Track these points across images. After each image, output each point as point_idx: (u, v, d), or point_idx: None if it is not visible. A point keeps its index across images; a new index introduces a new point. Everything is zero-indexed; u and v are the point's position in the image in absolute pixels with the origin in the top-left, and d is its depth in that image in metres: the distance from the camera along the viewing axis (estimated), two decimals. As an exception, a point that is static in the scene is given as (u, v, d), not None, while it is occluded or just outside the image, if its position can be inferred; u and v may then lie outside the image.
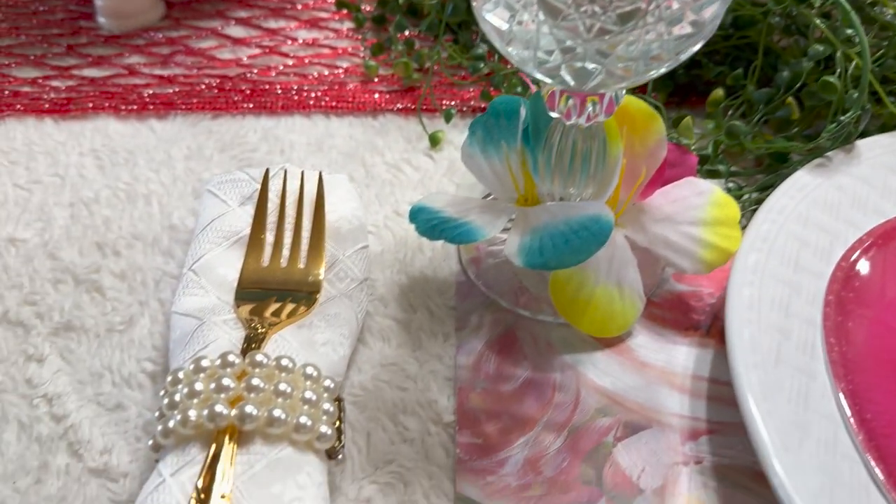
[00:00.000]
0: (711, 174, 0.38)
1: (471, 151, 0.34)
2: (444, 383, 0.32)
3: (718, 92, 0.41)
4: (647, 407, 0.31)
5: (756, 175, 0.39)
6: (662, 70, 0.26)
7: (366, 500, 0.28)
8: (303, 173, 0.35)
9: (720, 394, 0.31)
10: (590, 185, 0.33)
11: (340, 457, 0.28)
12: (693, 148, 0.40)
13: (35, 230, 0.38)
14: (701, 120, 0.42)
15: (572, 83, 0.26)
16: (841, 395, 0.28)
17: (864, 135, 0.37)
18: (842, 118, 0.35)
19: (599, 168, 0.32)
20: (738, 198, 0.37)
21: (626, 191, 0.33)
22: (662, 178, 0.34)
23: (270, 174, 0.35)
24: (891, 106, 0.37)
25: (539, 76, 0.27)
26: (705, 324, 0.34)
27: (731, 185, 0.38)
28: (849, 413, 0.28)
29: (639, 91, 0.41)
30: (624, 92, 0.30)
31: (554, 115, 0.31)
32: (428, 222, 0.33)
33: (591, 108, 0.29)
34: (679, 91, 0.44)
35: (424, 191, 0.40)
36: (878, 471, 0.26)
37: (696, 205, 0.33)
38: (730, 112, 0.41)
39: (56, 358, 0.33)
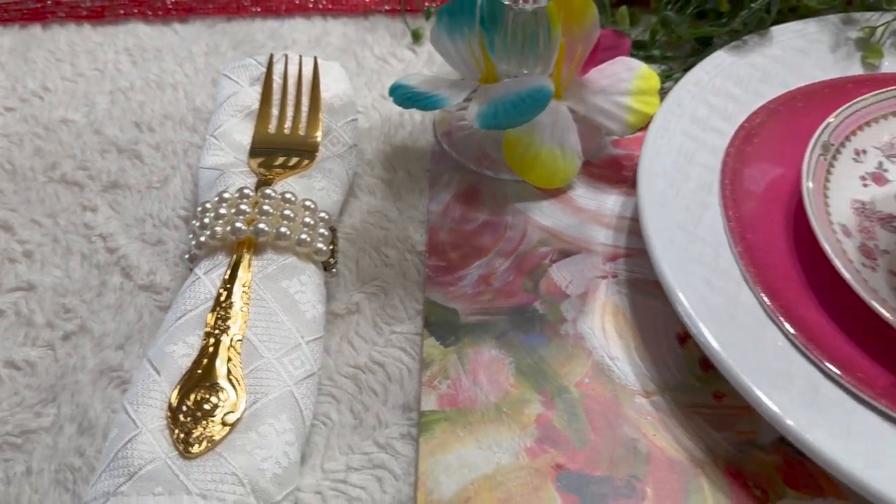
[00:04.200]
0: (648, 59, 0.45)
1: (438, 35, 0.41)
2: (418, 225, 0.40)
3: (661, -11, 0.47)
4: (579, 238, 0.39)
5: (687, 59, 0.45)
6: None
7: (355, 303, 0.36)
8: (301, 58, 0.42)
9: (637, 228, 0.39)
10: (539, 63, 0.40)
11: (335, 270, 0.36)
12: (637, 37, 0.47)
13: (82, 113, 0.45)
14: (650, 15, 0.49)
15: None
16: (727, 220, 0.36)
17: (781, 23, 0.44)
18: (753, 5, 0.42)
19: (545, 48, 0.39)
20: (668, 77, 0.44)
21: (567, 68, 0.40)
22: (597, 57, 0.40)
23: (274, 60, 0.42)
24: (800, -5, 0.44)
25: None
26: (632, 179, 0.41)
27: (664, 67, 0.45)
28: (731, 233, 0.35)
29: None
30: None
31: (505, 1, 0.38)
32: (403, 95, 0.40)
33: (532, -6, 0.36)
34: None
35: (407, 78, 0.47)
36: (748, 272, 0.34)
37: (625, 78, 0.40)
38: (669, 6, 0.47)
39: (107, 208, 0.40)
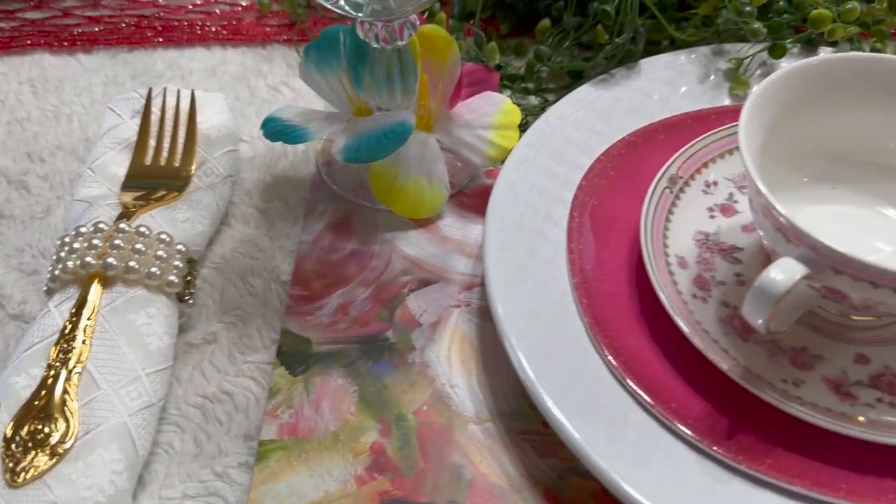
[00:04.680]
0: (525, 91, 0.47)
1: (307, 71, 0.42)
2: (287, 254, 0.41)
3: (545, 22, 0.49)
4: (440, 268, 0.40)
5: (562, 91, 0.47)
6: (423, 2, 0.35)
7: (212, 333, 0.38)
8: (178, 91, 0.44)
9: (498, 259, 0.40)
10: (402, 98, 0.41)
11: (191, 301, 0.37)
12: (520, 70, 0.48)
13: (-22, 144, 0.47)
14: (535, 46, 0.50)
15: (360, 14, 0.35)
16: (569, 253, 0.37)
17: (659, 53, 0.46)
18: (617, 39, 0.43)
19: (410, 84, 0.41)
20: (542, 110, 0.45)
21: (434, 101, 0.42)
22: (461, 91, 0.42)
23: (154, 94, 0.44)
24: (668, 27, 0.45)
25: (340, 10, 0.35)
26: (501, 208, 0.42)
27: (539, 99, 0.46)
28: (571, 265, 0.36)
29: (488, 23, 0.49)
30: (418, 24, 0.38)
31: (366, 40, 0.39)
32: (273, 128, 0.41)
33: (386, 34, 0.38)
34: (522, 22, 0.52)
35: (296, 108, 0.48)
36: (581, 303, 0.35)
37: (488, 112, 0.42)
38: (550, 39, 0.48)
39: (-11, 239, 0.42)
